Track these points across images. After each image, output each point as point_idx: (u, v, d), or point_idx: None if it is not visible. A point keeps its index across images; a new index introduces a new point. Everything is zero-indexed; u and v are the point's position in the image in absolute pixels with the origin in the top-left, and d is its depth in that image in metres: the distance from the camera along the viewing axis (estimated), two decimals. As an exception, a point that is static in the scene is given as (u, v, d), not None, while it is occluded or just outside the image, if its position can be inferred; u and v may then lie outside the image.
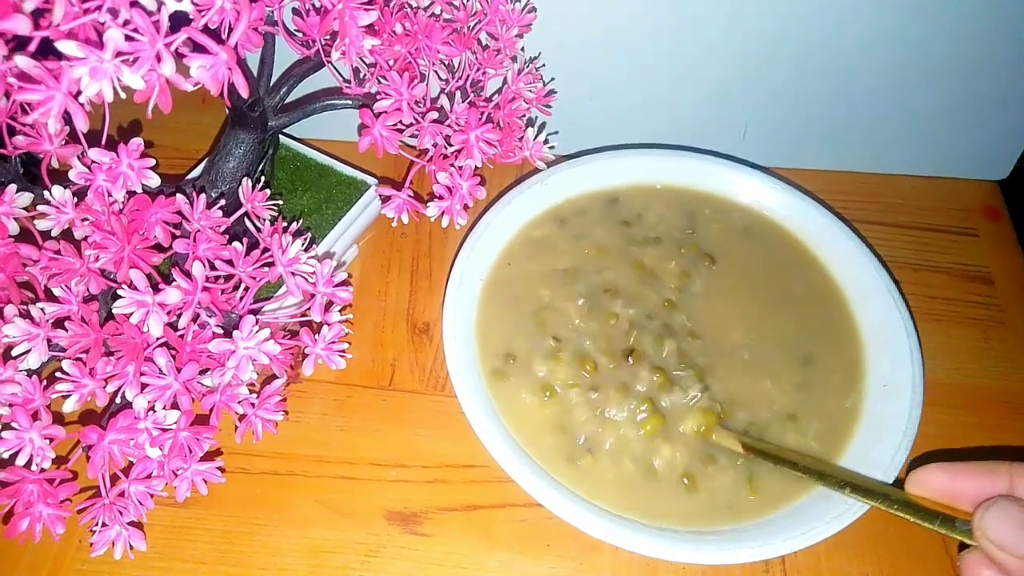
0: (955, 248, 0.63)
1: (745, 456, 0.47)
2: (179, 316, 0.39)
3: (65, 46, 0.29)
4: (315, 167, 0.58)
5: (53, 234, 0.41)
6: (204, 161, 0.54)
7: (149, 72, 0.31)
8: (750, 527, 0.45)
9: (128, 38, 0.30)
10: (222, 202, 0.43)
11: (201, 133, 0.64)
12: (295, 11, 0.46)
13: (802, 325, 0.54)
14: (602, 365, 0.51)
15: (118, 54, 0.30)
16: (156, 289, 0.38)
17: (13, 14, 0.29)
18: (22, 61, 0.30)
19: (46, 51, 0.31)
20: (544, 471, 0.46)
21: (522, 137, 0.50)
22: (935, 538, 0.48)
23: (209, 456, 0.41)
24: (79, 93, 0.30)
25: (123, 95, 0.31)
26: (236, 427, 0.42)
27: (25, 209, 0.41)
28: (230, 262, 0.41)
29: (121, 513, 0.39)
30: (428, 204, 0.47)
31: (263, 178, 0.50)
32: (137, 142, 0.39)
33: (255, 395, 0.42)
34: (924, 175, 0.67)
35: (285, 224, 0.44)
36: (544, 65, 0.57)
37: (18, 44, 0.31)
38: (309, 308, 0.43)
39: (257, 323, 0.40)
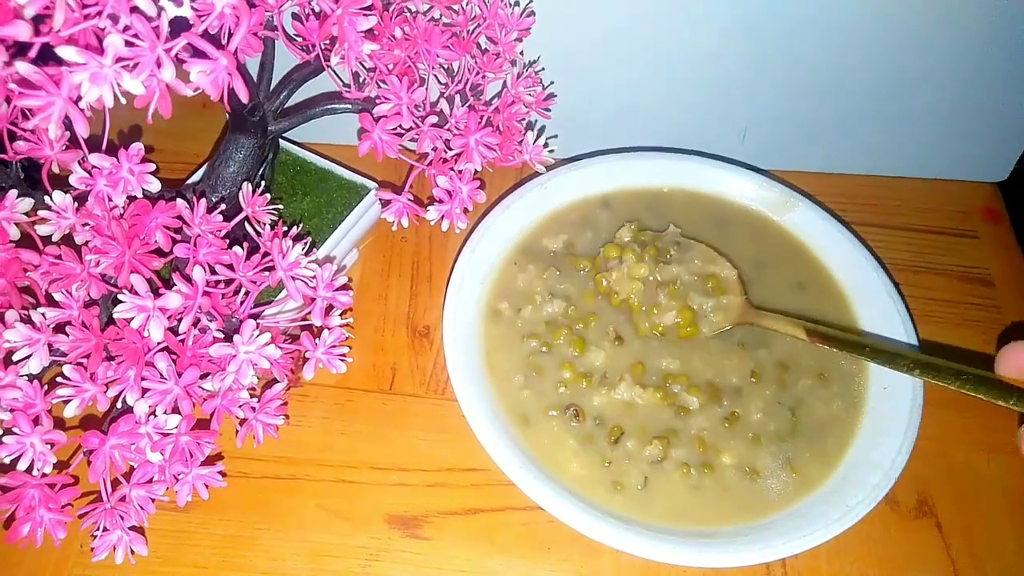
0: (955, 250, 0.63)
1: (810, 341, 0.47)
2: (180, 321, 0.39)
3: (65, 52, 0.29)
4: (315, 171, 0.58)
5: (54, 239, 0.41)
6: (204, 166, 0.55)
7: (149, 77, 0.31)
8: (751, 530, 0.45)
9: (128, 43, 0.30)
10: (222, 207, 0.43)
11: (201, 137, 0.64)
12: (295, 16, 0.46)
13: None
14: (605, 367, 0.51)
15: (118, 59, 0.30)
16: (157, 294, 0.38)
17: (14, 20, 0.29)
18: (23, 67, 0.30)
19: (46, 57, 0.31)
20: (545, 474, 0.46)
21: (521, 141, 0.51)
22: (936, 539, 0.48)
23: (210, 460, 0.41)
24: (79, 98, 0.30)
25: (123, 100, 0.31)
26: (237, 431, 0.42)
27: (26, 214, 0.41)
28: (230, 266, 0.41)
29: (122, 518, 0.39)
30: (428, 208, 0.48)
31: (263, 182, 0.50)
32: (138, 147, 0.39)
33: (256, 399, 0.43)
34: (924, 177, 0.67)
35: (285, 228, 0.44)
36: (543, 69, 0.57)
37: (18, 50, 0.31)
38: (309, 312, 0.43)
39: (258, 327, 0.40)
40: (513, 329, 0.53)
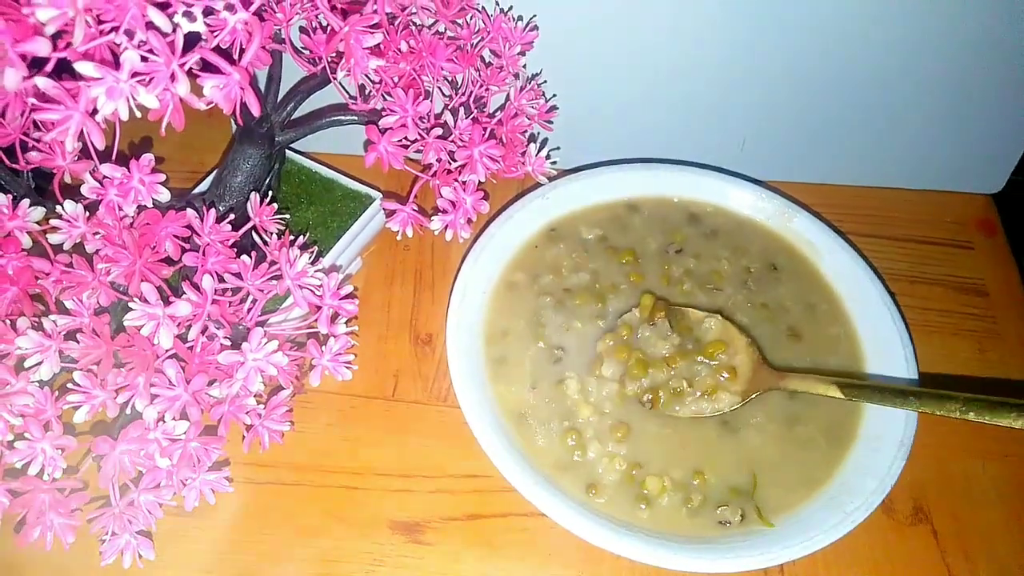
0: (950, 261, 0.63)
1: (846, 398, 0.46)
2: (188, 328, 0.40)
3: (83, 67, 0.30)
4: (320, 181, 0.59)
5: (65, 248, 0.42)
6: (212, 175, 0.55)
7: (164, 92, 0.32)
8: (750, 535, 0.45)
9: (144, 58, 0.31)
10: (231, 216, 0.44)
11: (206, 147, 0.65)
12: (302, 29, 0.47)
13: (800, 336, 0.54)
14: (605, 372, 0.51)
15: (134, 74, 0.31)
16: (167, 302, 0.39)
17: (34, 36, 0.30)
18: (42, 82, 0.30)
19: (61, 71, 0.31)
20: (546, 481, 0.47)
21: (524, 152, 0.51)
22: (932, 546, 0.49)
23: (217, 466, 0.41)
24: (96, 112, 0.31)
25: (138, 114, 0.32)
26: (243, 437, 0.43)
27: (38, 223, 0.42)
28: (239, 275, 0.42)
29: (131, 522, 0.39)
30: (432, 218, 0.48)
31: (270, 192, 0.51)
32: (148, 158, 0.40)
33: (262, 406, 0.43)
34: (919, 188, 0.68)
35: (292, 238, 0.44)
36: (546, 82, 0.58)
37: (35, 64, 0.32)
38: (316, 320, 0.43)
39: (265, 335, 0.40)
40: (516, 335, 0.54)
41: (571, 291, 0.56)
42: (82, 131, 0.32)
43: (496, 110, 0.52)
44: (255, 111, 0.35)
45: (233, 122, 0.48)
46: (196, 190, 0.56)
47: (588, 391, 0.51)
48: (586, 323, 0.54)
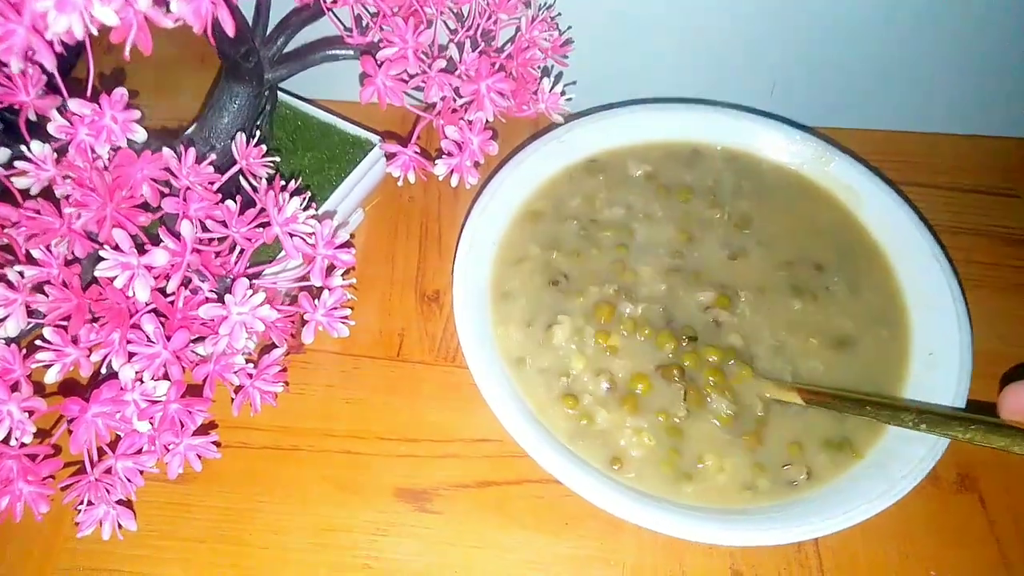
0: (996, 210, 0.60)
1: (806, 406, 0.45)
2: (168, 280, 0.36)
3: (27, -27, 0.26)
4: (317, 126, 0.55)
5: (32, 192, 0.38)
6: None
7: (124, 7, 0.28)
8: (784, 506, 0.42)
9: (98, -34, 0.27)
10: (212, 157, 0.40)
11: (200, 95, 0.61)
12: (292, -48, 0.43)
13: (844, 290, 0.51)
14: (621, 333, 0.48)
15: (88, -17, 0.27)
16: (142, 251, 0.35)
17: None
18: (-23, -10, 0.27)
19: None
20: (561, 445, 0.44)
21: (537, 89, 0.47)
22: (979, 515, 0.46)
23: (203, 430, 0.38)
24: (46, 29, 0.27)
25: (95, 31, 0.28)
26: (233, 399, 0.40)
27: (2, 166, 0.38)
28: (223, 222, 0.38)
29: (108, 491, 0.36)
30: (436, 162, 0.44)
31: (259, 134, 0.47)
32: (121, 92, 0.36)
33: (252, 365, 0.40)
34: (963, 133, 0.64)
35: (283, 183, 0.41)
36: (560, 14, 0.53)
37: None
38: (308, 272, 0.40)
39: (251, 287, 0.37)
40: (528, 290, 0.50)
41: (576, 246, 0.52)
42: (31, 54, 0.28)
43: (506, 43, 0.47)
44: (229, 29, 0.30)
45: (219, 58, 0.44)
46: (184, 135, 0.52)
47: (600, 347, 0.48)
48: (605, 283, 0.51)
